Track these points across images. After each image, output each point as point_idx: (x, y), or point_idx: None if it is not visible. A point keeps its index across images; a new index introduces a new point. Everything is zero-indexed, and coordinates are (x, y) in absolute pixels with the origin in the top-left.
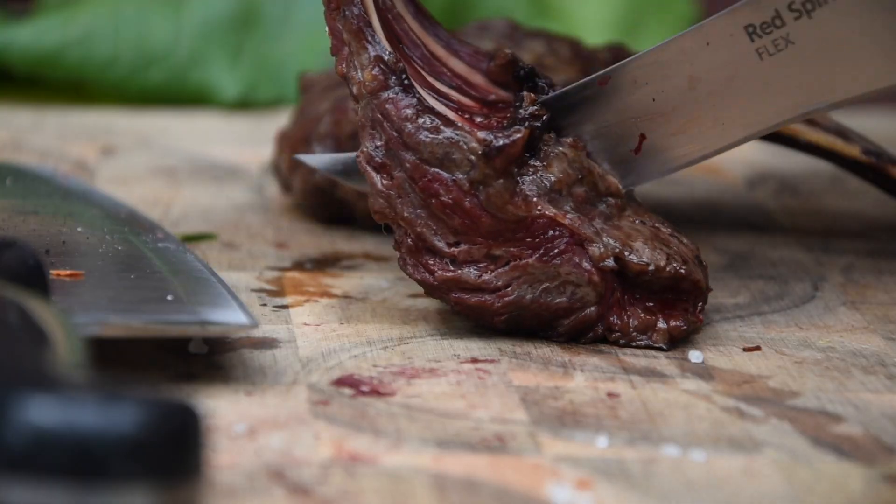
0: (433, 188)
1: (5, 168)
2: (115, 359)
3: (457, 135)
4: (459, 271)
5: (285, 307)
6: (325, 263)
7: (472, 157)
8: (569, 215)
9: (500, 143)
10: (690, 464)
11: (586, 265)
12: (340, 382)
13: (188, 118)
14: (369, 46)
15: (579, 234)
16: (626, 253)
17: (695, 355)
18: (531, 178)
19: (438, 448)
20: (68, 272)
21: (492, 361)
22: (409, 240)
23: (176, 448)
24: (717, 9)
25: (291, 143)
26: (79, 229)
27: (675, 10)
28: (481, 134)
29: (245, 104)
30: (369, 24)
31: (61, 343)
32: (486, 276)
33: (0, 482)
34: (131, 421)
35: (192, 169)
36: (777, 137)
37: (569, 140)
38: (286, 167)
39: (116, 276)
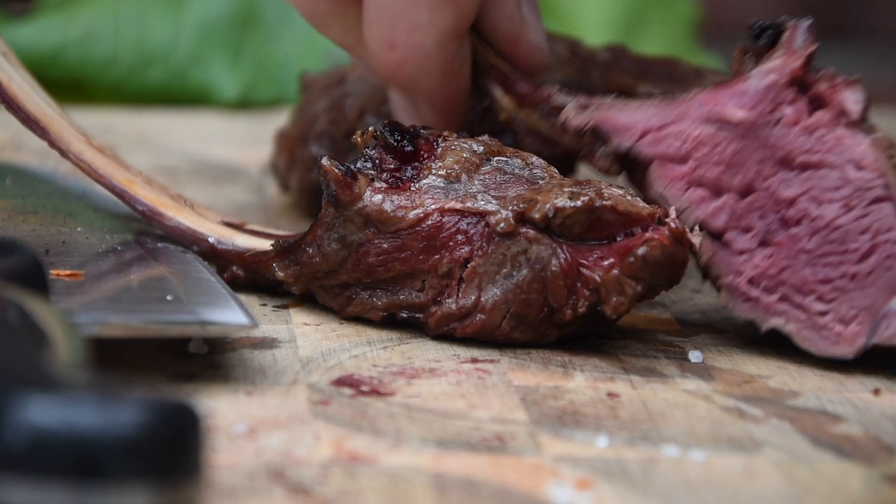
0: (365, 262)
1: (5, 168)
2: (115, 359)
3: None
4: (440, 308)
5: (285, 307)
6: None
7: (356, 218)
8: (452, 200)
9: (332, 191)
10: (690, 464)
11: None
12: (340, 382)
13: (188, 118)
14: None
15: (474, 213)
16: (530, 208)
17: (695, 355)
18: (423, 182)
19: (438, 448)
20: (68, 272)
21: (492, 361)
22: (402, 314)
23: (176, 448)
24: (717, 9)
25: (289, 142)
26: (79, 229)
27: (675, 10)
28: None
29: (245, 104)
30: None
31: (61, 343)
32: (462, 301)
33: (0, 482)
34: (131, 421)
35: (192, 169)
36: None
37: (483, 137)
38: (284, 166)
39: (116, 276)
